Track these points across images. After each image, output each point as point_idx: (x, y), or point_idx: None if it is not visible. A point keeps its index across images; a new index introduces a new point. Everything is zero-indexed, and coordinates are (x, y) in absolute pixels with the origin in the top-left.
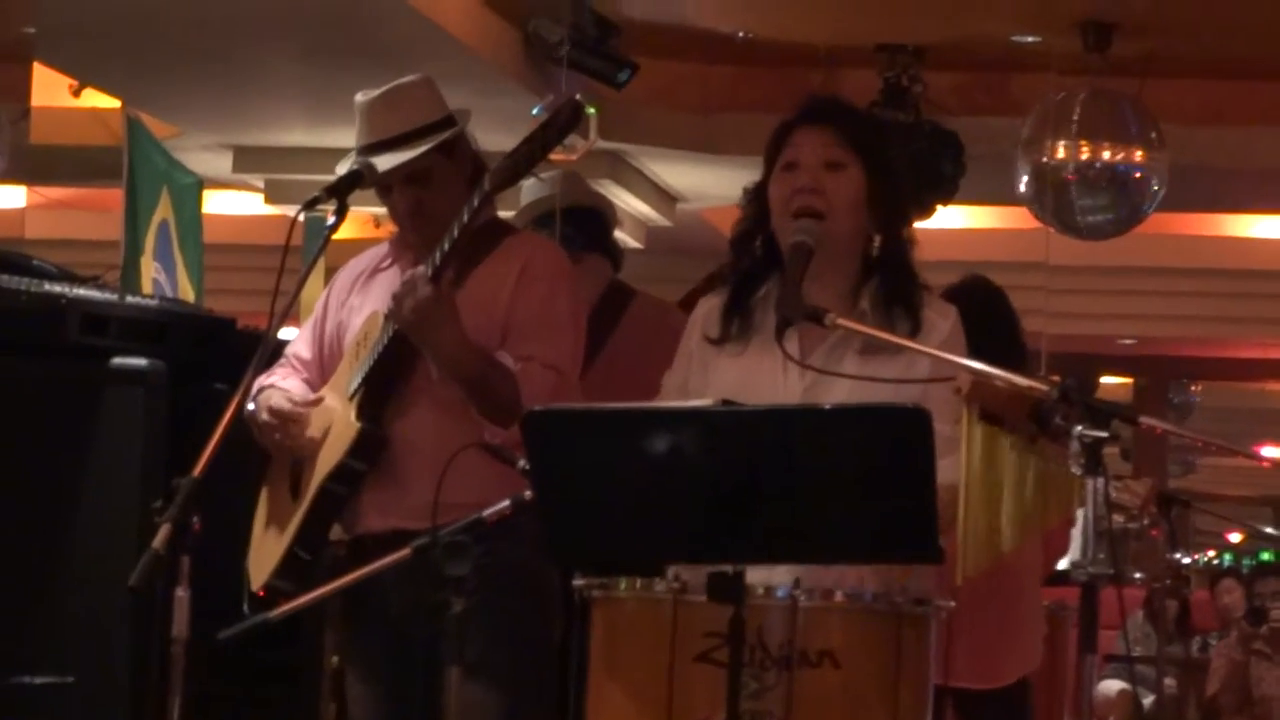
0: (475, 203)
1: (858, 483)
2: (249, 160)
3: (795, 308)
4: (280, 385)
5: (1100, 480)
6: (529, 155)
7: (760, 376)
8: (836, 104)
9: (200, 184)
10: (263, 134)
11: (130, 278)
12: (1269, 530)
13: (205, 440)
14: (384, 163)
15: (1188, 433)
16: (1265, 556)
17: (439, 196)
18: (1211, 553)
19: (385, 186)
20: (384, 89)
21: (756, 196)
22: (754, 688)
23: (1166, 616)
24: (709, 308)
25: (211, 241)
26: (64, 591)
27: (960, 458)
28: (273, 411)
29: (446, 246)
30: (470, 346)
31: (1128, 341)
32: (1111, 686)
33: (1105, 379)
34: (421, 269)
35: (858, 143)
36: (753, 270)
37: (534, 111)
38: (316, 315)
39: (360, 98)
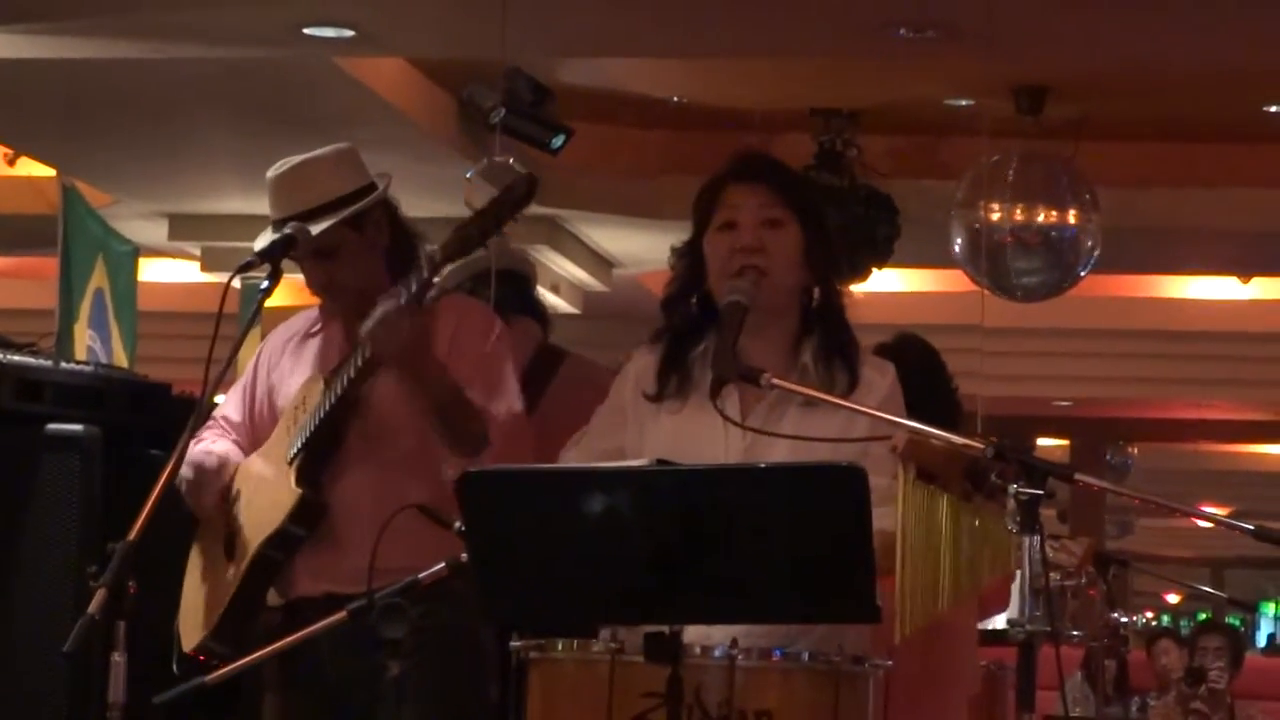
0: (426, 273)
1: (795, 541)
2: (185, 228)
3: (730, 367)
4: (210, 448)
5: (1036, 538)
6: (482, 228)
7: (700, 434)
8: (770, 161)
9: (136, 252)
10: (198, 201)
11: (65, 344)
12: (1207, 589)
13: (140, 505)
14: (321, 226)
15: (1125, 490)
16: (1203, 616)
17: (348, 270)
18: (1149, 613)
19: (301, 258)
20: (292, 163)
21: (689, 254)
22: None
23: (1104, 677)
24: (644, 364)
25: (146, 309)
26: (18, 650)
27: (897, 516)
28: (217, 465)
29: (412, 289)
30: (446, 372)
31: (1063, 403)
32: None
33: (1041, 440)
34: (392, 301)
35: (794, 200)
36: (688, 327)
37: (466, 175)
38: (246, 379)
39: (270, 172)
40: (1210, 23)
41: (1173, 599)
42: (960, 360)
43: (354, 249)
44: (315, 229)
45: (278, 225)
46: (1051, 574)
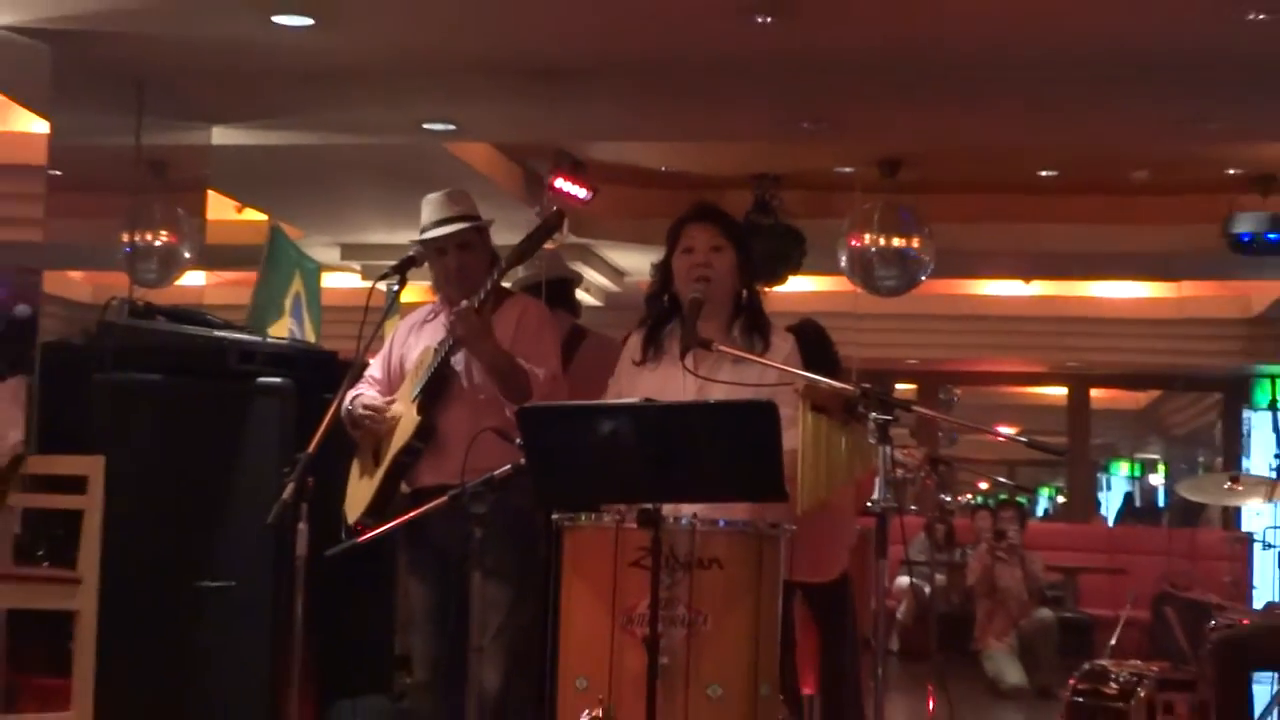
0: (496, 274)
1: (731, 450)
2: (350, 252)
3: (693, 340)
4: (365, 394)
5: (888, 447)
6: (529, 247)
7: (670, 383)
8: (715, 209)
9: (319, 268)
10: (358, 235)
11: (263, 325)
12: (1004, 480)
13: (316, 429)
14: (445, 230)
15: (949, 417)
16: (1003, 498)
17: (474, 261)
18: (969, 495)
19: (441, 250)
20: (447, 190)
21: (662, 269)
22: (667, 582)
23: (937, 536)
24: (635, 341)
25: (326, 305)
26: (230, 527)
27: (798, 434)
28: (367, 406)
29: (483, 295)
30: (503, 350)
31: (912, 362)
32: (902, 581)
33: (898, 385)
34: (467, 304)
35: (730, 234)
36: (661, 316)
37: (535, 212)
38: (385, 351)
39: (430, 195)
40: (1003, 118)
41: (983, 486)
42: (842, 334)
43: (479, 248)
44: (464, 225)
45: (434, 225)
46: (899, 470)
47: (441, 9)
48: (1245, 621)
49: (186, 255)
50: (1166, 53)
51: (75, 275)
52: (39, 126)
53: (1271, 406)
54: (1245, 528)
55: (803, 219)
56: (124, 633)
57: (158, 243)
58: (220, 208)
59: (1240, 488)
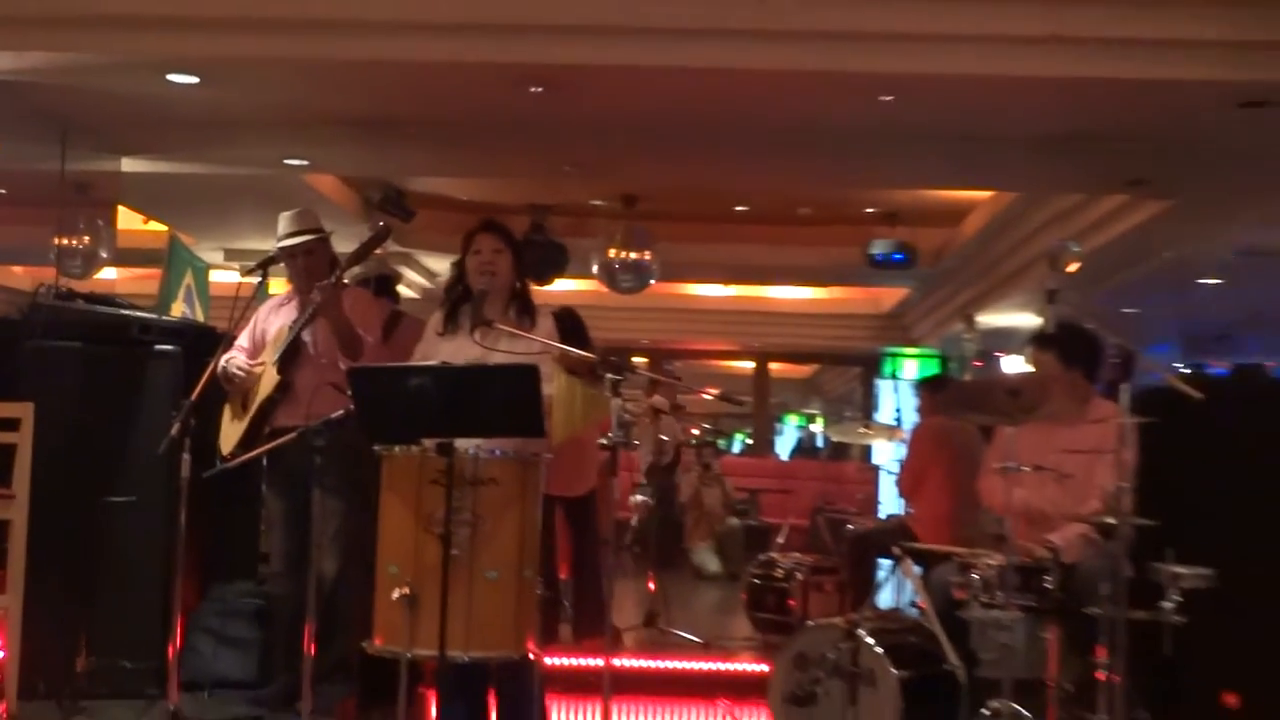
0: (339, 271)
1: (505, 399)
2: (232, 254)
3: (479, 319)
4: (237, 357)
5: (619, 400)
6: (363, 252)
7: (461, 350)
8: (498, 224)
9: (207, 267)
10: (237, 241)
11: (165, 308)
12: (708, 427)
13: (198, 383)
14: (295, 241)
15: (663, 377)
16: (708, 440)
17: (317, 262)
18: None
19: (293, 254)
20: (297, 210)
21: (458, 266)
22: (457, 496)
23: (660, 465)
24: (436, 318)
25: (214, 294)
26: (131, 457)
27: (555, 388)
28: (239, 366)
29: (334, 279)
30: (346, 318)
31: (644, 342)
32: (637, 498)
33: (635, 359)
34: (327, 283)
35: (508, 241)
36: (457, 301)
37: (368, 227)
38: (251, 326)
39: (284, 213)
40: (709, 167)
41: (695, 431)
42: (593, 321)
43: (320, 254)
44: (310, 237)
45: (291, 235)
46: (627, 417)
47: (298, 76)
48: (870, 525)
49: (103, 255)
50: (823, 126)
51: (16, 269)
52: None
53: (893, 377)
54: (875, 460)
55: (566, 237)
56: (49, 537)
57: (80, 245)
58: (129, 219)
59: (871, 432)
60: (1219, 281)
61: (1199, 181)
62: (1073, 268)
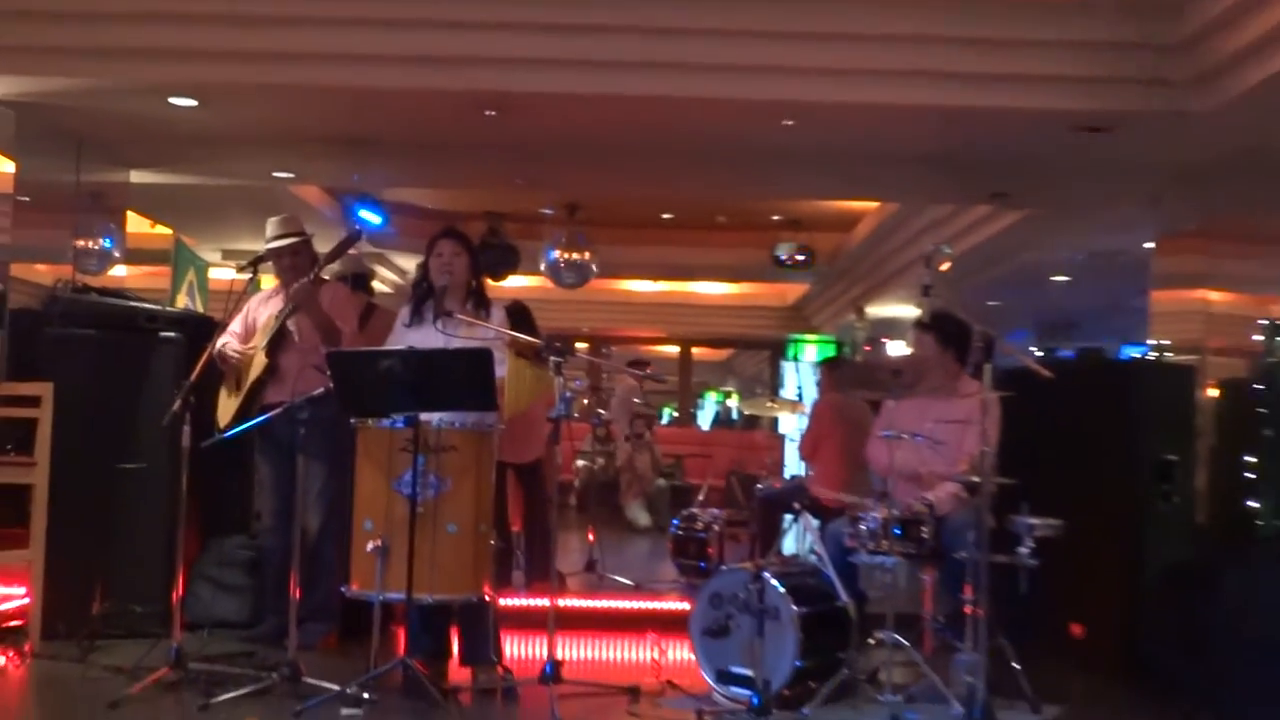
0: (316, 270)
1: (465, 378)
2: (229, 254)
3: (441, 310)
4: (231, 343)
5: (561, 379)
6: (337, 252)
7: (426, 338)
8: (458, 230)
9: (207, 265)
10: (234, 243)
11: (172, 302)
12: (639, 401)
13: (197, 365)
14: (281, 243)
15: (599, 360)
16: (640, 412)
17: (300, 262)
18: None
19: (279, 254)
20: (283, 215)
21: (424, 266)
22: (424, 461)
23: (598, 434)
24: (404, 311)
25: (213, 288)
26: (140, 428)
27: (507, 369)
28: (234, 350)
29: (311, 278)
30: (324, 311)
31: (585, 330)
32: (579, 463)
33: (578, 344)
34: (305, 281)
35: (466, 246)
36: (422, 296)
37: (356, 227)
38: (243, 315)
39: (271, 218)
40: (640, 180)
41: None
42: (540, 312)
43: (303, 254)
44: (294, 239)
45: (277, 238)
46: (570, 392)
47: (285, 100)
48: (777, 485)
49: (115, 255)
50: (736, 146)
51: (39, 267)
52: (8, 167)
53: (795, 359)
54: (781, 430)
55: (518, 240)
56: (69, 499)
57: (95, 246)
58: (138, 223)
59: (778, 406)
60: (1067, 279)
61: (1050, 194)
62: (945, 267)
